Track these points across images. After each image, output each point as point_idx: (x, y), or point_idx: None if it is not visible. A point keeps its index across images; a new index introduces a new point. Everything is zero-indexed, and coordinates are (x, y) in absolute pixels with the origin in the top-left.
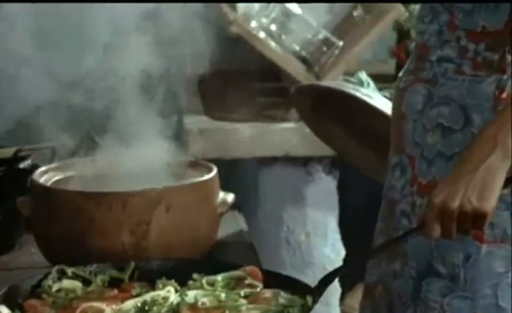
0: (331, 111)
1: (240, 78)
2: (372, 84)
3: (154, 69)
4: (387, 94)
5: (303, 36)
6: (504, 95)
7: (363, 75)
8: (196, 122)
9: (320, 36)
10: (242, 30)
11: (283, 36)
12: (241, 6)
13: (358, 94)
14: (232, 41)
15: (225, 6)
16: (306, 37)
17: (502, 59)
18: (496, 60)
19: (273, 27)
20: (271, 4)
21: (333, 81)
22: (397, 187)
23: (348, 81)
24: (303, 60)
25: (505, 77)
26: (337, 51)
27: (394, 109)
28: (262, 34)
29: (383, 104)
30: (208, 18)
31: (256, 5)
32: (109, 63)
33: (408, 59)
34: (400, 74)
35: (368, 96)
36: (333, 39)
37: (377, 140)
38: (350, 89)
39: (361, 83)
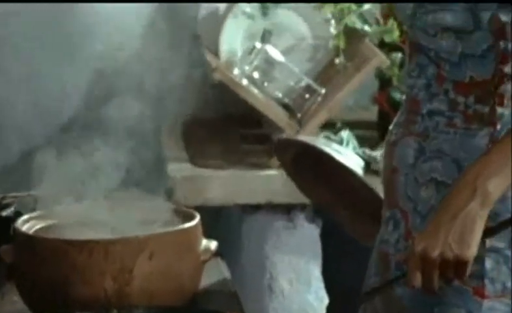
0: (310, 166)
1: (223, 125)
2: (352, 143)
3: (137, 116)
4: (377, 154)
5: (285, 83)
6: None
7: (346, 134)
8: (179, 169)
9: (303, 84)
10: (225, 78)
11: (266, 83)
12: (224, 53)
13: (327, 149)
14: (214, 88)
15: (207, 54)
16: (289, 84)
17: (492, 111)
18: (487, 113)
19: (255, 74)
20: (254, 52)
21: (311, 136)
22: (390, 241)
23: (328, 138)
24: (286, 107)
25: (497, 129)
26: (319, 98)
27: (385, 163)
28: (244, 81)
29: (353, 161)
30: (190, 65)
31: (239, 52)
32: (92, 110)
33: (399, 111)
34: (391, 127)
35: (337, 152)
36: (316, 86)
37: (352, 199)
38: (321, 144)
39: (340, 142)
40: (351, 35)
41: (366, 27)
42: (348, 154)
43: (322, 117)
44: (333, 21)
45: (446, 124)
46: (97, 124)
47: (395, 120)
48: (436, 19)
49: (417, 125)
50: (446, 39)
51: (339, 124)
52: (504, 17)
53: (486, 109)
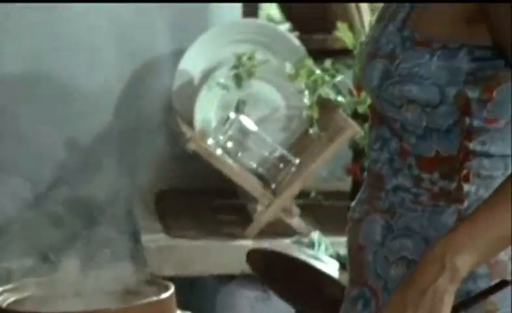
0: (284, 272)
1: (197, 195)
2: (324, 244)
3: (111, 187)
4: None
5: (259, 154)
6: None
7: (316, 236)
8: (154, 239)
9: (277, 154)
10: (199, 148)
11: (240, 154)
12: (198, 124)
13: (301, 256)
14: (189, 158)
15: (182, 124)
16: (263, 154)
17: (459, 188)
18: (454, 190)
19: (230, 145)
20: (228, 122)
21: (282, 244)
22: None
23: (299, 242)
24: (260, 177)
25: (465, 206)
26: (293, 169)
27: (350, 240)
28: (219, 152)
29: (328, 265)
30: (165, 135)
31: (214, 123)
32: (66, 183)
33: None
34: (353, 204)
35: (311, 257)
36: (290, 156)
37: (329, 300)
38: (294, 251)
39: (312, 245)
40: (325, 106)
41: (339, 98)
42: (322, 258)
43: (296, 187)
44: (306, 92)
45: (413, 201)
46: (71, 197)
47: (357, 197)
48: (402, 91)
49: (381, 202)
50: (412, 111)
51: (313, 194)
52: (470, 94)
53: (453, 186)
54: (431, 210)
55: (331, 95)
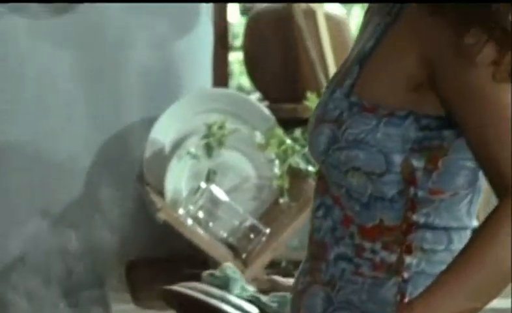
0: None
1: (168, 265)
2: (241, 282)
3: (83, 256)
4: (266, 298)
5: (230, 223)
6: (405, 301)
7: (230, 270)
8: (124, 310)
9: (247, 223)
10: (170, 218)
11: (211, 223)
12: (169, 193)
13: (212, 302)
14: (159, 228)
15: (153, 194)
16: (233, 224)
17: (400, 260)
18: (395, 262)
19: (200, 214)
20: (199, 192)
21: (195, 283)
22: None
23: (212, 275)
24: (231, 247)
25: (405, 278)
26: (264, 238)
27: (292, 310)
28: (189, 221)
29: (242, 309)
30: (135, 205)
31: (184, 192)
32: (36, 251)
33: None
34: (296, 275)
35: (221, 299)
36: (260, 226)
37: None
38: (205, 294)
39: (226, 279)
40: (295, 175)
41: (310, 168)
42: (231, 300)
43: (266, 257)
44: (277, 161)
45: (353, 273)
46: (41, 266)
47: (300, 267)
48: (348, 157)
49: (322, 274)
50: (357, 178)
51: (283, 264)
52: (416, 163)
53: (394, 257)
54: (371, 283)
55: (302, 165)
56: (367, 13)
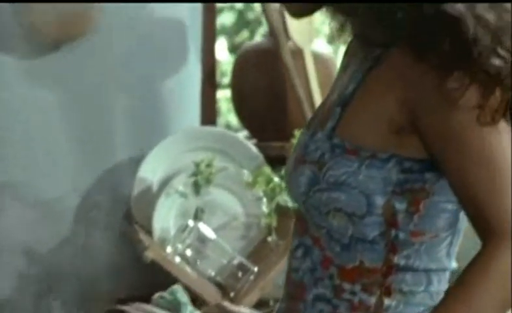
0: None
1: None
2: (187, 300)
3: (72, 295)
4: None
5: (218, 262)
6: None
7: (179, 293)
8: None
9: (235, 262)
10: (158, 256)
11: (199, 262)
12: (157, 232)
13: None
14: (148, 266)
15: (140, 232)
16: (221, 262)
17: (379, 302)
18: (374, 304)
19: (188, 252)
20: (187, 230)
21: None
22: None
23: (162, 298)
24: (219, 285)
25: None
26: (252, 277)
27: None
28: (177, 260)
29: None
30: (124, 244)
31: (172, 230)
32: (21, 293)
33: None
34: None
35: None
36: (248, 265)
37: None
38: None
39: (175, 302)
40: (283, 213)
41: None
42: None
43: (254, 295)
44: (265, 200)
45: None
46: (28, 306)
47: (276, 307)
48: (330, 198)
49: None
50: (338, 219)
51: (271, 303)
52: (398, 205)
53: (373, 299)
54: None
55: (290, 203)
56: (346, 55)
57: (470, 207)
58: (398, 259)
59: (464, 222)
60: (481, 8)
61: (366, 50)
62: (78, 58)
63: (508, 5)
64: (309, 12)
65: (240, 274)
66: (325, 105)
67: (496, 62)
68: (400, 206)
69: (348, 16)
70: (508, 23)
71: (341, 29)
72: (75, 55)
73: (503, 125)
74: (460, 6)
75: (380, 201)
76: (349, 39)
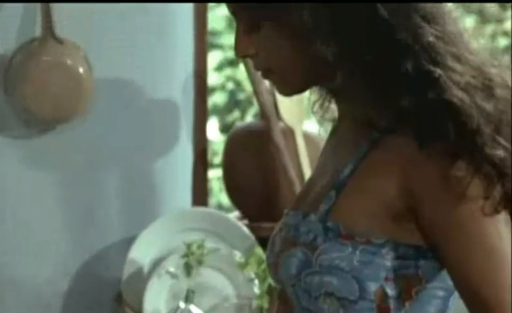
0: None
1: None
2: None
3: None
4: None
5: None
6: None
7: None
8: None
9: None
10: None
11: None
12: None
13: None
14: None
15: (127, 310)
16: None
17: None
18: None
19: None
20: (178, 311)
21: None
22: None
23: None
24: None
25: None
26: None
27: None
28: None
29: None
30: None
31: (163, 312)
32: None
33: None
34: None
35: None
36: None
37: None
38: None
39: None
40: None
41: None
42: None
43: None
44: (256, 281)
45: None
46: None
47: None
48: (322, 282)
49: None
50: (329, 304)
51: None
52: (390, 291)
53: None
54: None
55: None
56: (333, 135)
57: (469, 297)
58: None
59: (452, 308)
60: (480, 98)
61: (361, 132)
62: (70, 138)
63: (503, 94)
64: (299, 91)
65: None
66: (314, 186)
67: (499, 152)
68: (393, 292)
69: (344, 99)
70: (504, 113)
71: (325, 109)
72: (68, 135)
73: (503, 215)
74: (463, 96)
75: (372, 287)
76: (334, 117)
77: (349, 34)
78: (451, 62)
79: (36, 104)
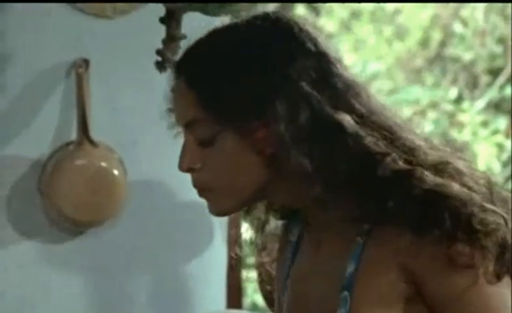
0: None
1: None
2: None
3: None
4: None
5: None
6: None
7: None
8: None
9: None
10: None
11: None
12: None
13: None
14: None
15: None
16: None
17: None
18: None
19: None
20: None
21: None
22: None
23: None
24: None
25: None
26: None
27: None
28: None
29: None
30: None
31: None
32: None
33: None
34: None
35: None
36: None
37: None
38: None
39: None
40: None
41: None
42: None
43: None
44: None
45: None
46: None
47: None
48: None
49: None
50: None
51: None
52: None
53: None
54: None
55: None
56: (313, 231)
57: None
58: None
59: None
60: (469, 180)
61: (348, 226)
62: (102, 241)
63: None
64: (232, 210)
65: None
66: (307, 287)
67: (493, 221)
68: None
69: (320, 207)
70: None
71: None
72: (99, 237)
73: (506, 280)
74: (455, 187)
75: None
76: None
77: (326, 147)
78: (423, 156)
79: (70, 207)
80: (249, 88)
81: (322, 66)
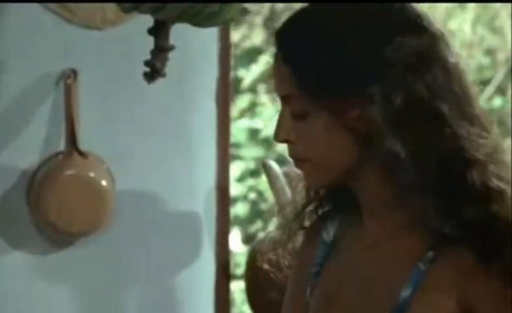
0: None
1: None
2: None
3: None
4: None
5: None
6: None
7: None
8: None
9: None
10: None
11: None
12: None
13: None
14: None
15: None
16: None
17: None
18: None
19: None
20: None
21: None
22: None
23: None
24: None
25: None
26: None
27: None
28: None
29: None
30: None
31: None
32: None
33: None
34: None
35: None
36: None
37: None
38: None
39: None
40: None
41: None
42: None
43: None
44: None
45: None
46: None
47: None
48: None
49: None
50: None
51: None
52: None
53: None
54: None
55: None
56: (351, 239)
57: None
58: None
59: None
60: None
61: (410, 247)
62: (91, 252)
63: None
64: (328, 184)
65: None
66: (349, 294)
67: None
68: None
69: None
70: None
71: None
72: (88, 249)
73: None
74: None
75: None
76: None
77: (421, 136)
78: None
79: (59, 217)
80: (346, 68)
81: (424, 49)
